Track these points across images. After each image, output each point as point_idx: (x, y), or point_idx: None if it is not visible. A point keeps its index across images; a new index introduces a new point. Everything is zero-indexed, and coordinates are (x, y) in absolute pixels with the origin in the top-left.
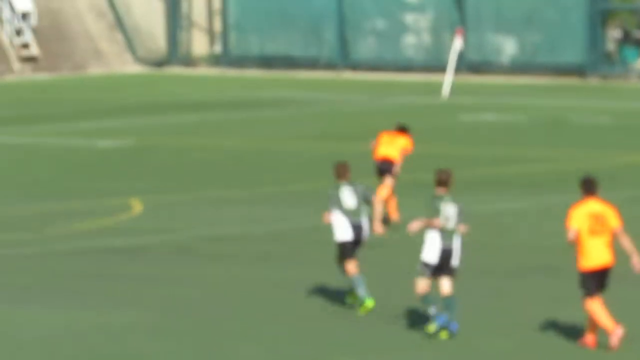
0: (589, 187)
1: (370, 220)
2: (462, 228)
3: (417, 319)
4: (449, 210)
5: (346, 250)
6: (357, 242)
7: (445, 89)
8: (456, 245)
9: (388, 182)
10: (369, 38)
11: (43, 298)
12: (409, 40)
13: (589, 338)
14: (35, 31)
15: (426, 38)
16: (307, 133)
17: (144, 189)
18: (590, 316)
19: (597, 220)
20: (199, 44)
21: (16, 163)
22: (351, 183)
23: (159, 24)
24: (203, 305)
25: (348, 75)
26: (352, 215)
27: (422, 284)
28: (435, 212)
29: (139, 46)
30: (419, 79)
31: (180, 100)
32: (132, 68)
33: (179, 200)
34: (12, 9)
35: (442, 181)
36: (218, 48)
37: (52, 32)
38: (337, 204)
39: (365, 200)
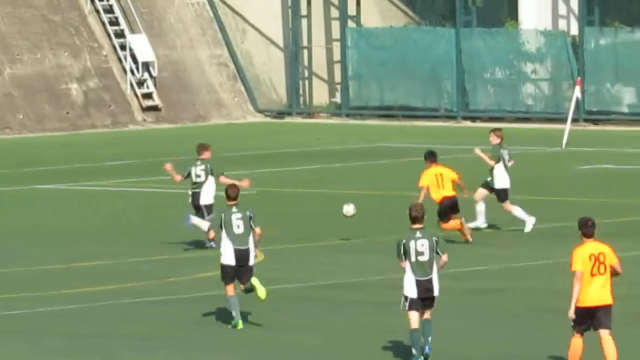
0: (586, 229)
1: None
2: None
3: None
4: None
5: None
6: None
7: (564, 139)
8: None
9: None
10: (487, 88)
11: (166, 345)
12: (528, 89)
13: None
14: (157, 81)
15: (545, 88)
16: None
17: (267, 238)
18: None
19: (597, 261)
20: (319, 94)
21: (141, 211)
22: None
23: (279, 74)
24: (322, 352)
25: (467, 124)
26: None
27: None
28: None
29: (260, 96)
30: (537, 128)
31: (300, 150)
32: (253, 118)
33: (298, 248)
34: (134, 59)
35: (416, 218)
36: (338, 98)
37: (174, 82)
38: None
39: None
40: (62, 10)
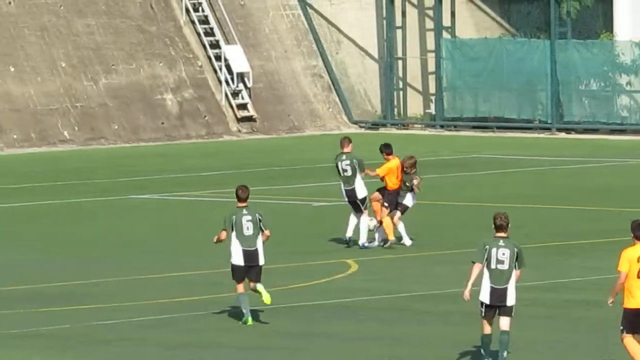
0: (638, 231)
1: None
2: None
3: None
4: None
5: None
6: None
7: None
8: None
9: None
10: (582, 99)
11: (261, 356)
12: (623, 101)
13: None
14: (251, 92)
15: None
16: (522, 193)
17: (359, 249)
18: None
19: None
20: (414, 105)
21: None
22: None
23: (374, 85)
24: None
25: (561, 136)
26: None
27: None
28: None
29: (354, 107)
30: (632, 140)
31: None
32: (347, 129)
33: (393, 259)
34: (229, 70)
35: (500, 226)
36: (432, 109)
37: (268, 93)
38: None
39: None
40: (158, 21)
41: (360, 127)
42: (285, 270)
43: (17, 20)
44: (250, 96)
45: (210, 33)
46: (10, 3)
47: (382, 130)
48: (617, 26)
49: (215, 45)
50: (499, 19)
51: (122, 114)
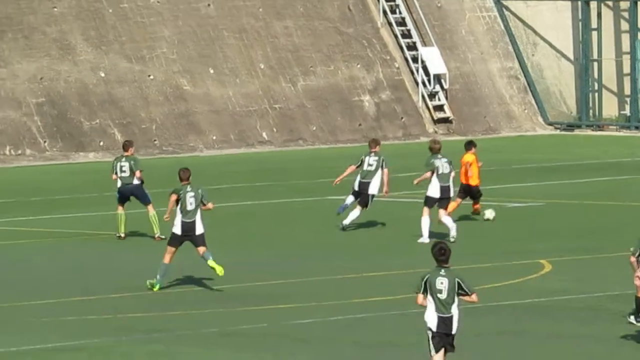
0: None
1: None
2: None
3: None
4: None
5: None
6: None
7: None
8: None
9: None
10: None
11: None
12: None
13: None
14: (448, 94)
15: None
16: None
17: (553, 249)
18: None
19: None
20: (609, 107)
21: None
22: None
23: (569, 87)
24: None
25: None
26: None
27: None
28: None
29: (550, 109)
30: None
31: (590, 162)
32: (543, 130)
33: (587, 260)
34: (426, 71)
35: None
36: (627, 110)
37: (465, 94)
38: None
39: None
40: (356, 23)
41: (556, 128)
42: (480, 270)
43: (217, 22)
44: (446, 98)
45: (407, 35)
46: (209, 5)
47: (577, 132)
48: None
49: (412, 47)
50: None
51: (320, 116)
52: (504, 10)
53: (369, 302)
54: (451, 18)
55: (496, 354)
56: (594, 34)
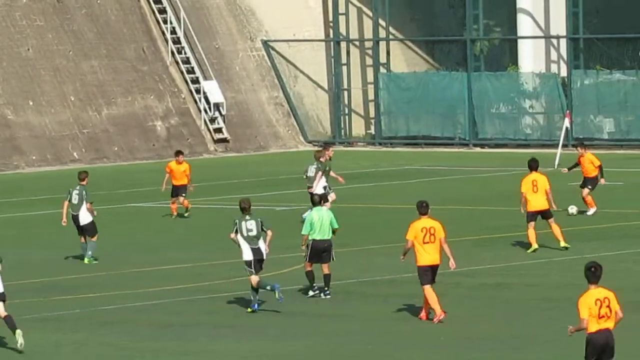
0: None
1: None
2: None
3: None
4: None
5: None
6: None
7: (556, 161)
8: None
9: None
10: (494, 120)
11: (233, 332)
12: (527, 121)
13: None
14: (225, 118)
15: (540, 119)
16: (446, 197)
17: None
18: None
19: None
20: (357, 127)
21: (218, 225)
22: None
23: (325, 111)
24: (360, 336)
25: (477, 150)
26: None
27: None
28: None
29: (309, 130)
30: (534, 152)
31: (343, 172)
32: (304, 147)
33: (346, 252)
34: (207, 100)
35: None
36: (372, 130)
37: (239, 119)
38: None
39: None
40: (149, 62)
41: (314, 145)
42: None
43: (35, 63)
44: (224, 122)
45: (191, 71)
46: (29, 50)
47: (332, 148)
48: (522, 60)
49: (196, 81)
50: (425, 56)
51: (121, 138)
52: (270, 49)
53: (161, 290)
54: (227, 57)
55: (260, 332)
56: (344, 68)
